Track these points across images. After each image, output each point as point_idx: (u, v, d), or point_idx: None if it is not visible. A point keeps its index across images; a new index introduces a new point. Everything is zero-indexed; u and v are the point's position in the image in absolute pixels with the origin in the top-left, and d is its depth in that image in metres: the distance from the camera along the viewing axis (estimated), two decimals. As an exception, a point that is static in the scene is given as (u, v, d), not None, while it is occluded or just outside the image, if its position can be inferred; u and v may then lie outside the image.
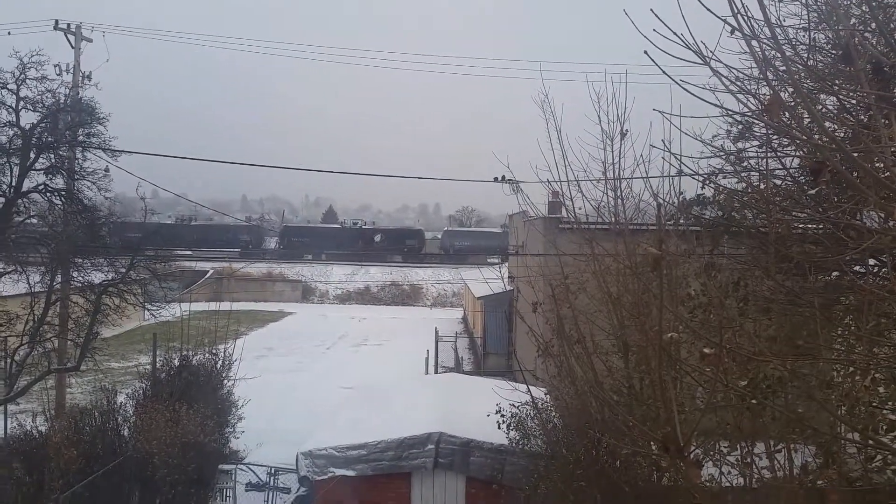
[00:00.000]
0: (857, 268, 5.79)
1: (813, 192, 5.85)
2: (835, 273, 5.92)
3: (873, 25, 5.35)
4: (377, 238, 79.83)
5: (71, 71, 20.95)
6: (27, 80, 16.17)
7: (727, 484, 6.69)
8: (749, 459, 6.25)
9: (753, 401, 5.38)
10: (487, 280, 22.39)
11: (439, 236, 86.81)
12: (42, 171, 16.86)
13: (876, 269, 6.02)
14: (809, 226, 5.91)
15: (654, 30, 4.73)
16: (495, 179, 11.37)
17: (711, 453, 6.76)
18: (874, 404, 5.22)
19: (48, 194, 17.00)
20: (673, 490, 7.21)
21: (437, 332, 32.40)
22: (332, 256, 74.58)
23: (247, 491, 16.47)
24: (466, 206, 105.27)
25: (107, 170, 17.59)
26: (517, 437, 11.90)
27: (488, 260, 62.54)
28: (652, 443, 6.36)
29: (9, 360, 15.77)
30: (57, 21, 21.88)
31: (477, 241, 77.97)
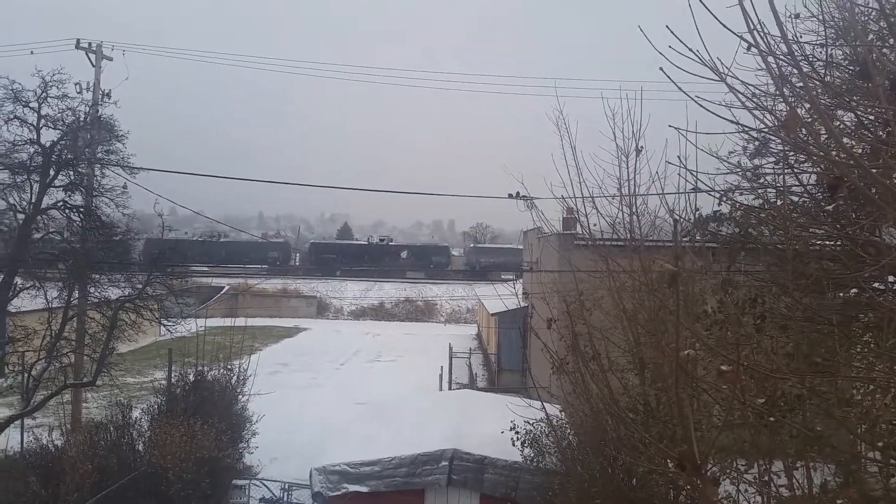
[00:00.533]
0: (875, 285, 5.73)
1: (830, 208, 5.81)
2: (853, 290, 5.87)
3: (892, 41, 5.34)
4: (404, 254, 80.00)
5: (91, 89, 21.24)
6: (48, 99, 16.46)
7: (745, 502, 6.61)
8: (767, 478, 6.17)
9: (771, 419, 5.33)
10: (502, 296, 22.34)
11: (456, 253, 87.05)
12: (61, 188, 17.11)
13: (895, 287, 5.96)
14: (827, 242, 5.86)
15: (670, 46, 4.74)
16: (510, 196, 11.35)
17: (728, 471, 6.69)
18: (895, 423, 5.15)
19: (67, 211, 17.22)
20: (690, 509, 7.14)
21: (450, 349, 32.34)
22: (359, 273, 74.61)
23: (260, 506, 16.46)
24: (480, 222, 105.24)
25: (125, 187, 17.84)
26: (531, 455, 11.83)
27: (502, 276, 62.48)
28: (669, 461, 6.30)
29: (26, 375, 15.89)
30: (78, 40, 22.22)
31: (501, 257, 78.02)
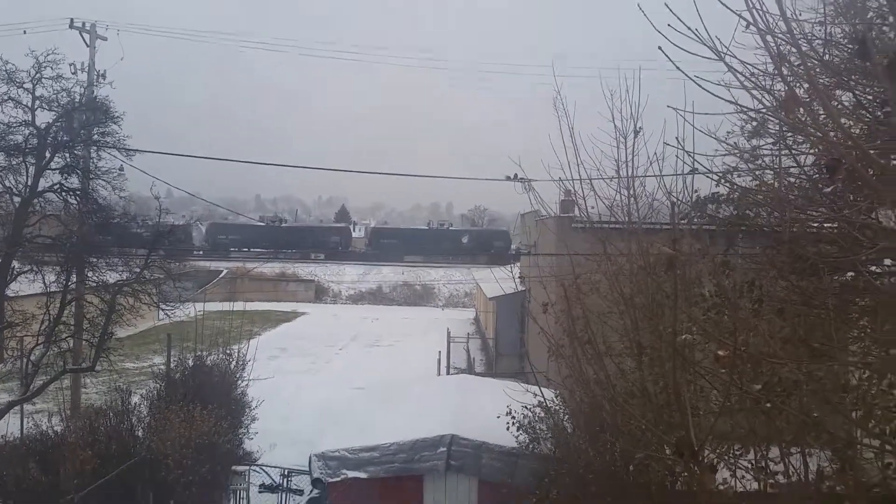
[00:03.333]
0: (873, 268, 5.67)
1: (828, 189, 5.73)
2: (850, 273, 5.81)
3: (891, 19, 5.24)
4: (465, 239, 78.54)
5: (86, 70, 21.08)
6: (43, 80, 16.27)
7: (741, 488, 6.58)
8: (763, 463, 6.14)
9: (768, 404, 5.28)
10: (499, 280, 22.26)
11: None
12: (57, 171, 16.96)
13: (892, 270, 5.89)
14: (824, 225, 5.80)
15: (669, 24, 4.67)
16: (508, 178, 11.28)
17: (725, 457, 6.66)
18: (890, 408, 5.10)
19: (63, 194, 17.10)
20: (687, 495, 7.11)
21: (448, 333, 32.32)
22: (419, 258, 73.59)
23: (260, 492, 16.47)
24: (479, 204, 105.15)
25: (121, 169, 17.69)
26: (527, 440, 11.82)
27: (499, 264, 62.32)
28: (666, 447, 6.27)
29: (25, 360, 15.87)
30: (72, 20, 22.04)
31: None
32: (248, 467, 16.92)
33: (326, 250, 76.29)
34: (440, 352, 28.44)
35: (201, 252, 72.13)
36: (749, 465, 6.38)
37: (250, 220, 76.55)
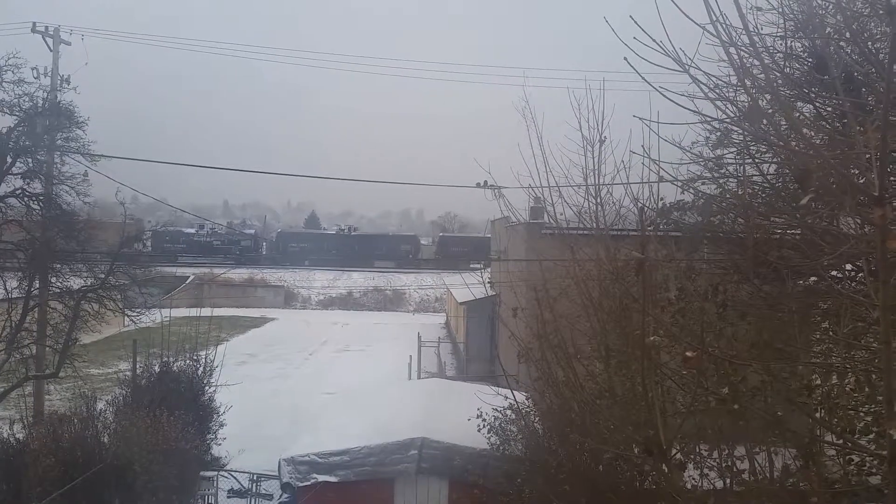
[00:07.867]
0: (834, 273, 5.86)
1: (805, 201, 5.92)
2: (812, 278, 5.99)
3: (847, 34, 5.44)
4: None
5: (49, 74, 20.75)
6: (3, 84, 16.01)
7: (708, 486, 6.74)
8: (730, 462, 6.30)
9: (734, 405, 5.44)
10: (470, 286, 22.39)
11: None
12: (19, 176, 16.69)
13: (852, 274, 6.10)
14: (787, 231, 5.97)
15: (634, 37, 4.78)
16: (478, 185, 11.41)
17: (692, 456, 6.81)
18: (851, 407, 5.29)
19: (26, 199, 16.83)
20: (656, 493, 7.25)
21: (419, 338, 32.36)
22: (488, 265, 73.31)
23: (229, 497, 16.35)
24: (449, 211, 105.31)
25: (85, 174, 17.47)
26: (497, 442, 11.91)
27: (471, 265, 62.48)
28: (635, 446, 6.40)
29: (-15, 367, 15.56)
30: (34, 24, 21.67)
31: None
32: (216, 472, 16.78)
33: (397, 258, 76.50)
34: (411, 356, 28.45)
35: (269, 261, 72.66)
36: (716, 464, 6.54)
37: (320, 229, 76.69)
